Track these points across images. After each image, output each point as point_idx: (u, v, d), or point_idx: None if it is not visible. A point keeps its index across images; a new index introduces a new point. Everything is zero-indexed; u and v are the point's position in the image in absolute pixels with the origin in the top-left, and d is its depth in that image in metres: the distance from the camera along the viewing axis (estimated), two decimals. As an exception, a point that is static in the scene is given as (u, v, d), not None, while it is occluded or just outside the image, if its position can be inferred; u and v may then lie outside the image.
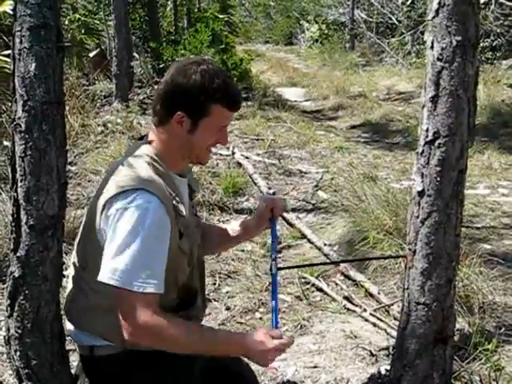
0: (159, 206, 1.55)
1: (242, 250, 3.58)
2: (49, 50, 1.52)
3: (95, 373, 1.74)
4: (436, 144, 1.74)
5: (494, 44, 11.68)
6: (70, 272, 1.76)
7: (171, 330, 1.53)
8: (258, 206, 1.99)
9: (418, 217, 1.79)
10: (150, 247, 1.52)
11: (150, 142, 1.70)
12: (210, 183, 4.67)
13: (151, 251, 1.53)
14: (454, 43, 1.70)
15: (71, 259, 1.75)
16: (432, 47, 1.74)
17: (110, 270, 1.49)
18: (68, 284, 1.75)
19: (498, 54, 11.71)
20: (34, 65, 1.51)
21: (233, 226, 2.02)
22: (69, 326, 1.75)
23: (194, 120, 1.64)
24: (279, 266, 1.83)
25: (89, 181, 4.68)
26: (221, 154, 5.54)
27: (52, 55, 1.53)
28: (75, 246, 1.73)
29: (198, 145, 1.68)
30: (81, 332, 1.70)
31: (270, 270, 1.81)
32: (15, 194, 1.57)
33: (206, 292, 1.92)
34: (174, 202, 1.63)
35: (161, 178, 1.62)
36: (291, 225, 4.03)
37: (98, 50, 8.72)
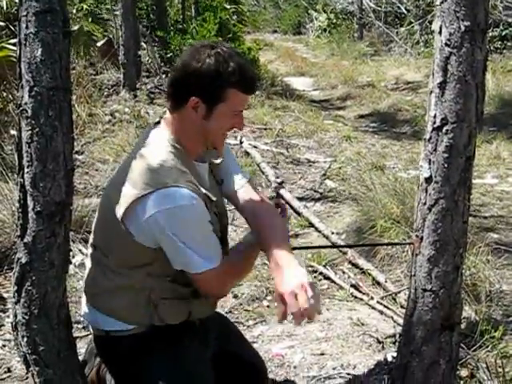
0: (198, 200, 1.58)
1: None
2: (55, 35, 1.51)
3: (109, 352, 1.77)
4: (444, 130, 1.72)
5: (504, 33, 11.57)
6: (88, 254, 1.78)
7: (236, 272, 1.75)
8: None
9: (425, 203, 1.78)
10: (206, 235, 1.62)
11: (167, 128, 1.69)
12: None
13: (208, 236, 1.63)
14: (463, 28, 1.68)
15: (89, 241, 1.77)
16: (440, 32, 1.72)
17: (186, 263, 1.60)
18: (86, 266, 1.77)
19: (507, 44, 11.61)
20: (40, 50, 1.50)
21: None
22: (85, 308, 1.77)
23: (210, 105, 1.62)
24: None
25: (96, 170, 4.68)
26: (229, 144, 5.51)
27: (58, 40, 1.52)
28: (93, 229, 1.74)
29: (213, 131, 1.67)
30: (99, 314, 1.71)
31: None
32: (22, 180, 1.57)
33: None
34: (203, 189, 1.64)
35: (183, 165, 1.62)
36: (299, 213, 4.03)
37: (106, 38, 8.70)
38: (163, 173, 1.57)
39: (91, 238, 1.77)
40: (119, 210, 1.58)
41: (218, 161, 1.86)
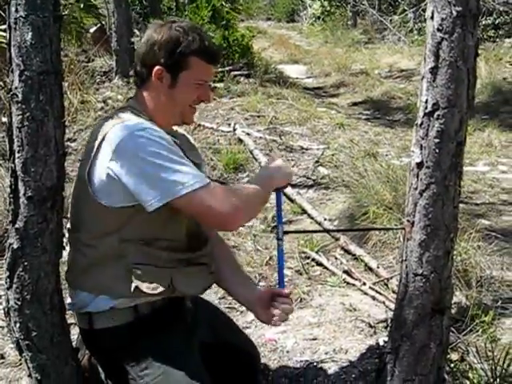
0: (160, 130, 1.59)
1: (243, 226, 3.58)
2: (45, 19, 1.51)
3: (95, 346, 1.77)
4: (435, 116, 1.73)
5: (497, 22, 11.56)
6: (67, 240, 1.78)
7: (244, 195, 1.64)
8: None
9: (416, 188, 1.79)
10: (171, 155, 1.55)
11: (136, 105, 1.71)
12: (211, 159, 4.67)
13: (174, 157, 1.56)
14: (455, 14, 1.67)
15: (66, 226, 1.77)
16: (432, 18, 1.72)
17: (165, 189, 1.52)
18: (67, 252, 1.78)
19: (500, 32, 11.60)
20: (30, 34, 1.50)
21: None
22: (69, 299, 1.77)
23: (173, 74, 1.66)
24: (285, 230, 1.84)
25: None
26: (222, 131, 5.53)
27: (49, 24, 1.51)
28: (69, 215, 1.75)
29: (180, 101, 1.70)
30: (81, 294, 1.70)
31: (277, 234, 1.80)
32: (13, 166, 1.57)
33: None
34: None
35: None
36: (292, 200, 4.03)
37: (99, 25, 8.63)
38: (131, 120, 1.61)
39: (68, 223, 1.77)
40: (86, 169, 1.59)
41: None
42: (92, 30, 8.54)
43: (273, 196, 1.80)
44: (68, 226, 1.76)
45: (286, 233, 1.87)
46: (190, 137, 1.93)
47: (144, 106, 1.71)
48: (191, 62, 1.66)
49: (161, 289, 1.65)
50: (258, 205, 1.75)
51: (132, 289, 1.63)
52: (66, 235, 1.76)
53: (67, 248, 1.78)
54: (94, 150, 1.58)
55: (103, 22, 8.79)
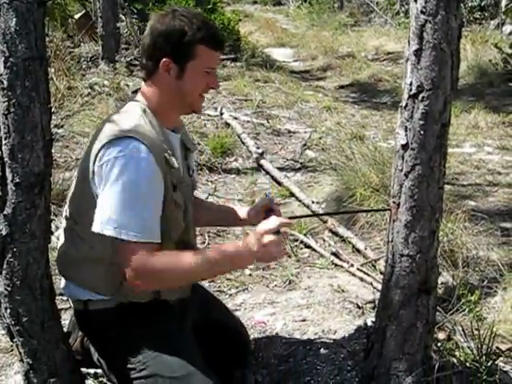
0: (148, 155, 1.57)
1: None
2: (29, 5, 1.49)
3: (89, 326, 1.79)
4: (419, 98, 1.74)
5: (483, 4, 11.55)
6: (62, 227, 1.79)
7: (169, 269, 1.58)
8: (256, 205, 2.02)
9: (401, 170, 1.81)
10: (140, 196, 1.55)
11: (142, 97, 1.71)
12: (199, 143, 4.66)
13: (142, 200, 1.55)
14: (438, -5, 1.69)
15: (63, 214, 1.78)
16: (416, 0, 1.73)
17: (103, 220, 1.53)
18: (60, 239, 1.79)
19: (486, 14, 11.60)
20: (14, 20, 1.48)
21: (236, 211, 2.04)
22: (63, 282, 1.79)
23: (181, 64, 1.65)
24: None
25: (76, 143, 4.65)
26: (209, 115, 5.51)
27: (33, 10, 1.50)
28: (67, 201, 1.76)
29: (189, 90, 1.68)
30: (75, 286, 1.73)
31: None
32: (0, 152, 1.57)
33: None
34: (166, 154, 1.64)
35: (153, 129, 1.63)
36: (279, 183, 4.05)
37: (84, 11, 8.54)
38: (125, 124, 1.61)
39: (65, 209, 1.78)
40: (89, 167, 1.61)
41: (194, 156, 1.91)
42: (77, 16, 8.45)
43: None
44: (65, 213, 1.77)
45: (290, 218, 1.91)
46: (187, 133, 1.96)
47: (150, 100, 1.70)
48: (198, 51, 1.64)
49: (148, 298, 1.72)
50: (183, 281, 1.72)
51: (122, 297, 1.69)
52: (64, 222, 1.77)
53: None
54: (98, 148, 1.59)
55: (88, 9, 8.71)
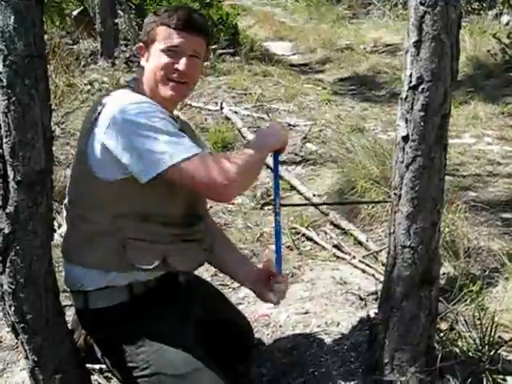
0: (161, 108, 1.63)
1: (232, 203, 3.61)
2: (27, 2, 1.49)
3: (90, 326, 1.79)
4: (419, 89, 1.74)
5: (481, -6, 11.50)
6: (64, 219, 1.81)
7: (240, 163, 1.60)
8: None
9: (402, 162, 1.81)
10: (169, 129, 1.57)
11: (135, 85, 1.77)
12: (201, 146, 4.66)
13: (173, 130, 1.58)
14: (437, -14, 1.68)
15: (64, 202, 1.79)
16: (415, -9, 1.73)
17: (156, 160, 1.52)
18: (64, 230, 1.80)
19: (484, 5, 11.54)
20: (12, 18, 1.48)
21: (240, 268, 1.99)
22: (67, 269, 1.78)
23: (148, 48, 1.73)
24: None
25: (77, 140, 4.64)
26: (209, 110, 5.52)
27: (31, 7, 1.50)
28: (66, 193, 1.77)
29: (151, 70, 1.72)
30: (75, 270, 1.72)
31: (274, 206, 1.84)
32: (0, 151, 1.56)
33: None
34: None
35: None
36: (280, 177, 4.04)
37: (81, 7, 8.52)
38: (131, 97, 1.66)
39: (64, 203, 1.80)
40: (83, 143, 1.65)
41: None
42: (75, 13, 8.43)
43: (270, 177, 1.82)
44: (65, 201, 1.78)
45: (284, 205, 1.91)
46: (191, 124, 1.97)
47: (138, 84, 1.76)
48: (158, 31, 1.70)
49: (155, 264, 1.68)
50: (254, 171, 1.73)
51: (127, 265, 1.65)
52: (64, 213, 1.78)
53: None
54: (91, 124, 1.62)
55: (86, 5, 8.68)
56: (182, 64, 1.69)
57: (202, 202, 1.87)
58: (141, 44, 1.77)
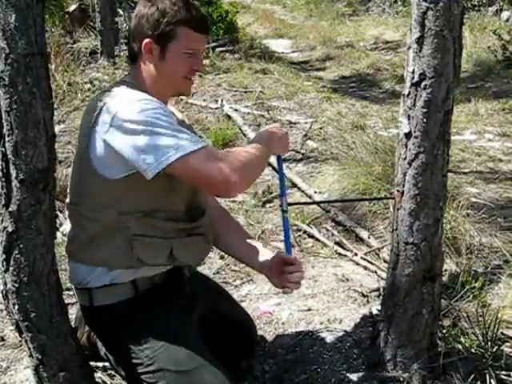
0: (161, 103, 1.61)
1: (234, 201, 3.61)
2: (28, 1, 1.49)
3: (95, 322, 1.80)
4: (422, 85, 1.74)
5: (481, -10, 11.48)
6: (67, 217, 1.80)
7: (245, 158, 1.62)
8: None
9: (405, 158, 1.81)
10: (171, 124, 1.57)
11: (131, 81, 1.73)
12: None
13: (175, 125, 1.58)
14: (439, -18, 1.68)
15: (66, 201, 1.79)
16: (417, -13, 1.72)
17: (161, 155, 1.51)
18: (67, 229, 1.80)
19: (484, 1, 11.53)
20: (13, 16, 1.48)
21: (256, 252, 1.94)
22: (71, 270, 1.79)
23: (162, 45, 1.67)
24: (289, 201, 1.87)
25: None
26: (210, 108, 5.51)
27: (32, 5, 1.50)
28: (68, 192, 1.77)
29: (171, 72, 1.70)
30: (80, 269, 1.73)
31: (281, 206, 1.82)
32: (3, 149, 1.57)
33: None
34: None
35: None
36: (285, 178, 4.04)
37: (77, 4, 8.50)
38: (131, 95, 1.63)
39: (67, 202, 1.80)
40: (85, 142, 1.63)
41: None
42: (71, 9, 8.41)
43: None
44: (67, 200, 1.78)
45: (290, 205, 1.91)
46: (186, 119, 1.96)
47: (138, 81, 1.72)
48: (179, 31, 1.67)
49: (161, 259, 1.69)
50: (257, 171, 1.75)
51: (134, 261, 1.66)
52: (68, 212, 1.78)
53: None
54: (92, 122, 1.61)
55: (85, 4, 8.67)
56: (199, 64, 1.74)
57: (201, 195, 1.86)
58: (148, 40, 1.67)
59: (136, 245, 1.65)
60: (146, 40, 1.67)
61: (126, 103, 1.58)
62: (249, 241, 1.99)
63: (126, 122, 1.54)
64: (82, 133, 1.69)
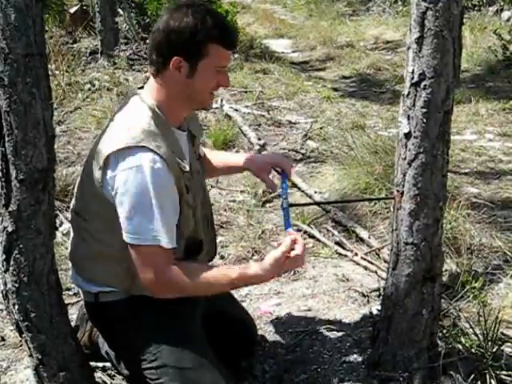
0: (163, 165, 1.57)
1: (234, 201, 3.61)
2: (27, 1, 1.49)
3: (100, 318, 1.81)
4: (422, 86, 1.74)
5: (482, -10, 11.47)
6: (70, 222, 1.80)
7: (192, 282, 1.63)
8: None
9: (405, 159, 1.81)
10: (161, 206, 1.57)
11: (149, 94, 1.69)
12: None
13: (163, 209, 1.57)
14: (439, -18, 1.68)
15: (70, 207, 1.79)
16: (416, -13, 1.72)
17: (129, 231, 1.58)
18: (70, 233, 1.80)
19: (484, 0, 11.52)
20: (13, 16, 1.48)
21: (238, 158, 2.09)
22: (74, 274, 1.80)
23: (192, 63, 1.62)
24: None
25: (78, 138, 4.67)
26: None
27: (31, 6, 1.50)
28: (75, 196, 1.77)
29: (199, 89, 1.67)
30: (81, 280, 1.75)
31: (282, 205, 1.87)
32: (3, 150, 1.57)
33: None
34: (177, 158, 1.64)
35: (163, 133, 1.63)
36: (290, 204, 4.03)
37: (79, 5, 8.51)
38: (136, 131, 1.59)
39: (72, 203, 1.80)
40: (96, 171, 1.62)
41: (201, 138, 1.92)
42: (72, 10, 8.43)
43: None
44: (72, 206, 1.78)
45: (291, 205, 1.95)
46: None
47: (159, 98, 1.68)
48: (211, 49, 1.62)
49: None
50: (217, 290, 1.76)
51: (134, 291, 1.71)
52: (71, 217, 1.78)
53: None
54: (101, 161, 1.61)
55: (86, 4, 8.68)
56: (226, 81, 1.72)
57: (202, 229, 1.86)
58: (177, 58, 1.61)
59: (136, 279, 1.67)
60: (176, 58, 1.62)
61: (127, 167, 1.57)
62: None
63: (124, 184, 1.57)
64: (95, 153, 1.66)
